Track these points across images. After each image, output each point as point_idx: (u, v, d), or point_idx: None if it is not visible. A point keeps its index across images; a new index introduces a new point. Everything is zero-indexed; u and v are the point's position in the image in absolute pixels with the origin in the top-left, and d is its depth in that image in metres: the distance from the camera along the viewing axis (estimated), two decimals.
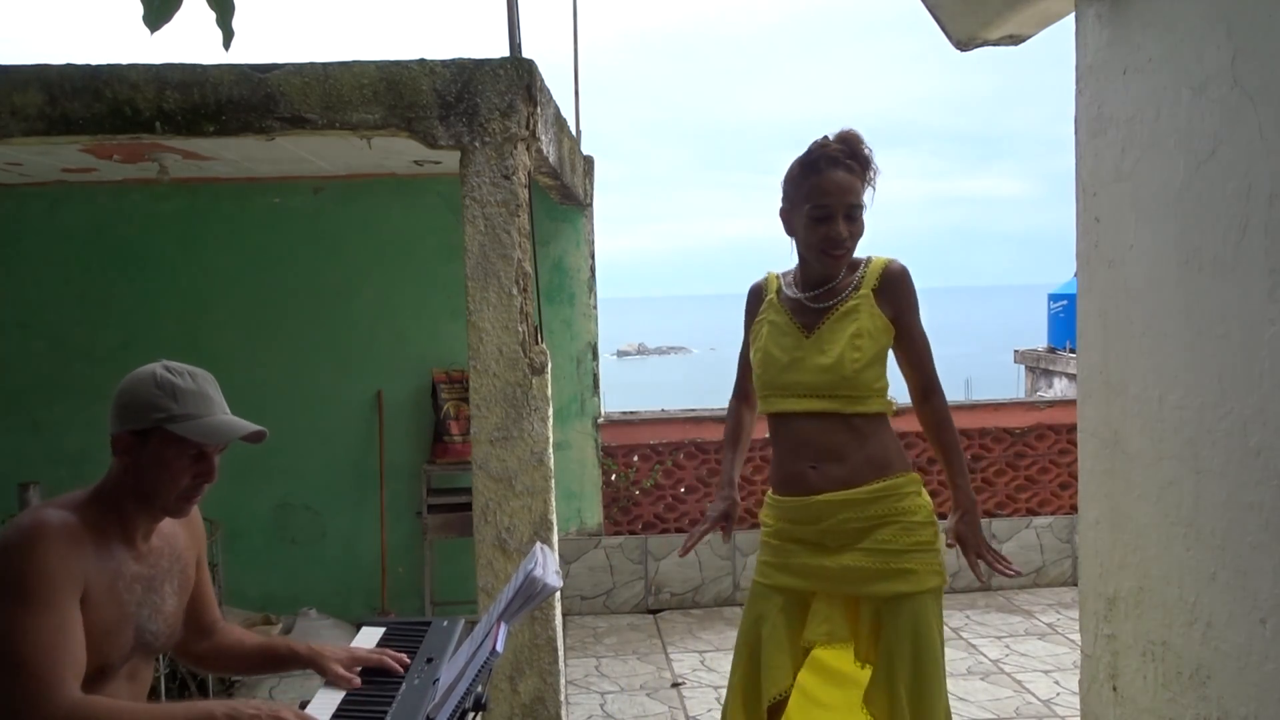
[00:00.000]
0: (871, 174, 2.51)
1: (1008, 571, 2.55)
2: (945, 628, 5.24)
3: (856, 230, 2.50)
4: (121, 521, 1.90)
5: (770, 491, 2.66)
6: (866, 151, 2.49)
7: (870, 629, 2.50)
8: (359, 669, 2.10)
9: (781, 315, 2.58)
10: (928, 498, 2.58)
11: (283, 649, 2.23)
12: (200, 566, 2.15)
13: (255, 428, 1.92)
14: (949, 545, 2.58)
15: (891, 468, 2.52)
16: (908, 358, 2.58)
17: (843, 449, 2.50)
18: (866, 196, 2.51)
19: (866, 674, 2.52)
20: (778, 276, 2.68)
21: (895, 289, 2.52)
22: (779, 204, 2.59)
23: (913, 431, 5.63)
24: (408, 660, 2.12)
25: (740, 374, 2.80)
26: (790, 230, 2.57)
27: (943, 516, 2.65)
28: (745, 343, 2.74)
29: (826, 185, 2.45)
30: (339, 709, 1.96)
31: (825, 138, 2.52)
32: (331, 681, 2.08)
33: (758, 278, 2.75)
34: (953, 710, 4.13)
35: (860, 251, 2.58)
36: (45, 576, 1.74)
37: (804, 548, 2.54)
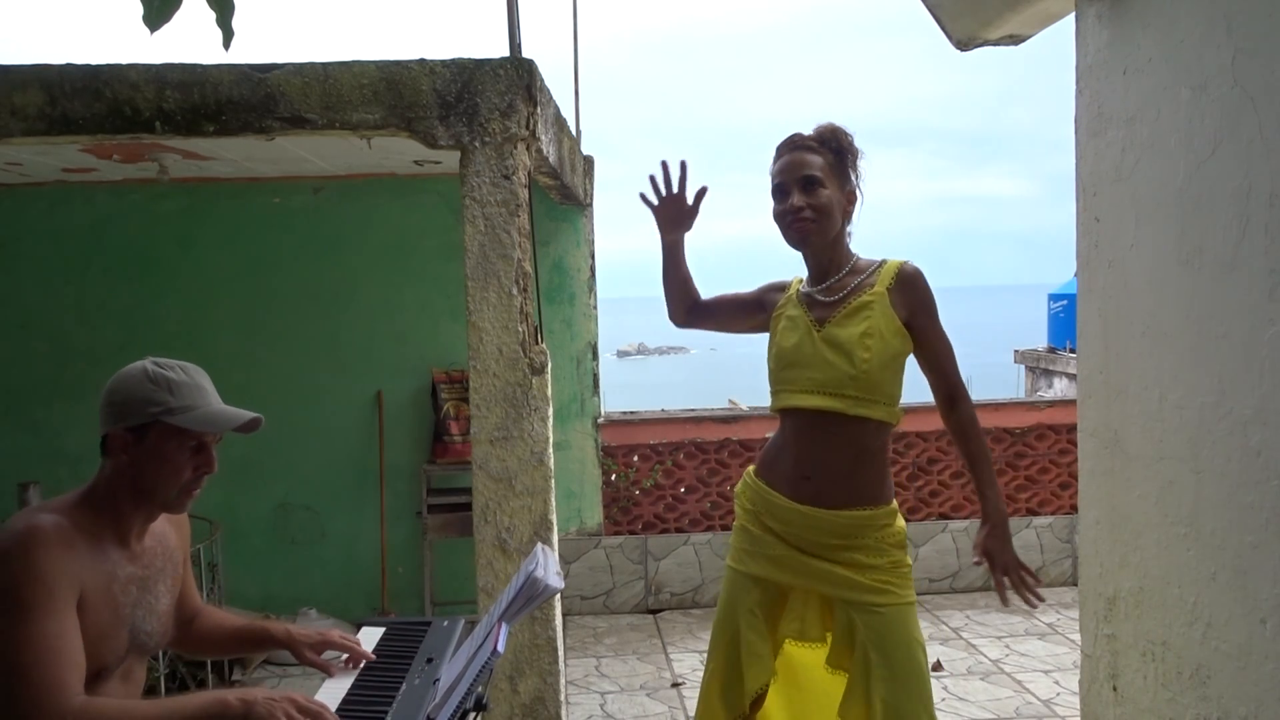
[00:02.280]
0: (846, 154, 2.52)
1: (1032, 599, 2.45)
2: (946, 627, 5.26)
3: (819, 202, 2.47)
4: (115, 522, 1.90)
5: (753, 470, 2.63)
6: (841, 138, 2.51)
7: (844, 636, 2.47)
8: (348, 659, 2.15)
9: (798, 310, 2.57)
10: (901, 523, 2.54)
11: (259, 631, 2.24)
12: (185, 561, 2.16)
13: (252, 415, 1.93)
14: (975, 562, 2.49)
15: (876, 499, 2.48)
16: (928, 362, 2.52)
17: (836, 466, 2.47)
18: (854, 181, 2.53)
19: (838, 681, 2.51)
20: (801, 280, 2.67)
21: (909, 290, 2.48)
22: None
23: (913, 431, 5.68)
24: (373, 656, 2.15)
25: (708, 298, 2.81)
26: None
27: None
28: (735, 293, 2.78)
29: (781, 166, 2.52)
30: (339, 708, 1.96)
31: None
32: (309, 665, 2.14)
33: (786, 278, 2.75)
34: (953, 711, 4.15)
35: (866, 253, 2.58)
36: (42, 582, 1.73)
37: (781, 541, 2.52)
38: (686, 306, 2.77)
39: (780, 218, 2.52)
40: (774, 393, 2.59)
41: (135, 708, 1.79)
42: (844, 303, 2.50)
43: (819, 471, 2.47)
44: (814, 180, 2.47)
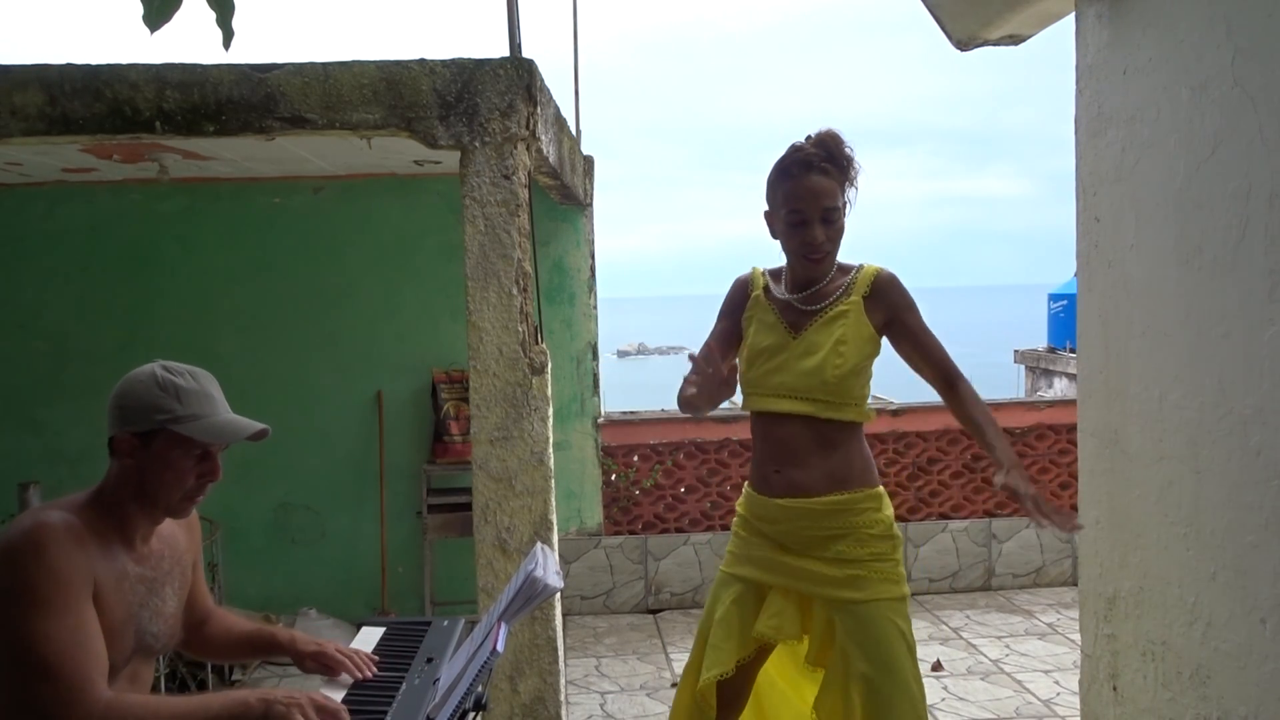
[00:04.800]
0: (852, 174, 2.50)
1: (1069, 522, 2.30)
2: (946, 627, 5.25)
3: (834, 233, 2.50)
4: (121, 524, 1.89)
5: (747, 483, 2.68)
6: (846, 151, 2.49)
7: (823, 633, 2.49)
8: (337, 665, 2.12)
9: (770, 315, 2.59)
10: (888, 512, 2.53)
11: (267, 636, 2.24)
12: (196, 565, 2.15)
13: (259, 426, 1.92)
14: (1006, 491, 2.32)
15: (851, 483, 2.50)
16: (919, 353, 2.52)
17: (807, 457, 2.50)
18: (849, 195, 2.51)
19: (817, 677, 2.53)
20: (764, 274, 2.67)
21: (885, 295, 2.51)
22: (764, 207, 2.60)
23: (913, 431, 5.68)
24: (373, 671, 2.10)
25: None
26: (774, 233, 2.58)
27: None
28: (714, 330, 2.69)
29: (800, 191, 2.46)
30: None
31: (803, 140, 2.52)
32: (309, 672, 2.12)
33: (744, 272, 2.74)
34: (953, 710, 4.15)
35: (856, 253, 2.59)
36: (58, 578, 1.72)
37: (766, 542, 2.55)
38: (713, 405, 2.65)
39: (797, 248, 2.51)
40: (745, 394, 2.62)
41: (160, 705, 1.79)
42: (822, 311, 2.52)
43: (787, 463, 2.51)
44: (834, 211, 2.48)
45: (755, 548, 2.57)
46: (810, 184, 2.45)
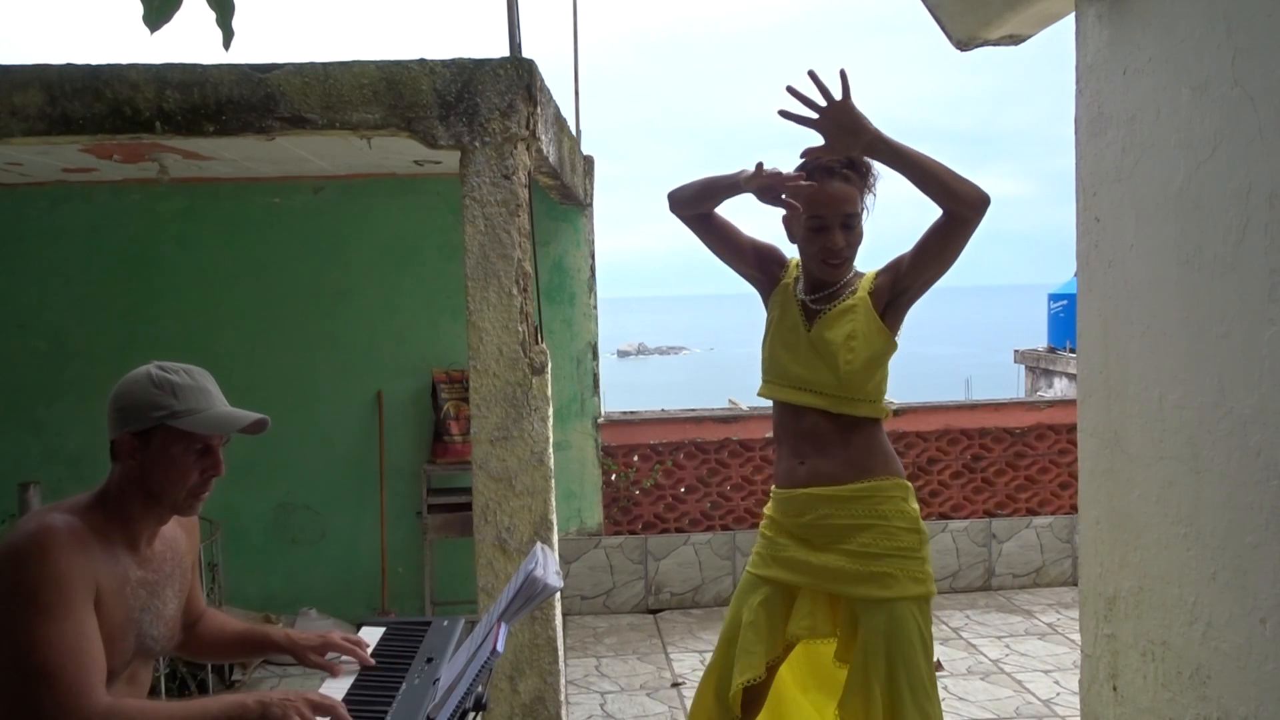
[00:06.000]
0: (872, 180, 2.51)
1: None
2: (946, 627, 5.25)
3: (854, 239, 2.51)
4: (126, 526, 1.90)
5: (774, 486, 2.69)
6: (866, 159, 2.49)
7: (848, 630, 2.51)
8: (341, 657, 2.15)
9: (791, 306, 2.61)
10: (914, 505, 2.55)
11: (259, 636, 2.25)
12: (193, 565, 2.16)
13: (257, 416, 1.93)
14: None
15: (875, 471, 2.52)
16: (924, 247, 2.44)
17: (828, 446, 2.52)
18: (868, 202, 2.52)
19: (831, 680, 2.54)
20: (798, 265, 2.68)
21: (883, 275, 2.53)
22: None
23: (913, 431, 5.68)
24: (372, 662, 2.14)
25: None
26: (792, 238, 2.59)
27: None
28: (738, 227, 2.70)
29: (821, 196, 2.46)
30: None
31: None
32: (313, 667, 2.13)
33: (788, 248, 2.71)
34: (953, 710, 4.15)
35: (861, 250, 2.59)
36: (60, 582, 1.73)
37: (793, 541, 2.56)
38: (700, 211, 2.65)
39: (817, 253, 2.52)
40: (765, 381, 2.66)
41: (157, 710, 1.80)
42: (830, 307, 2.54)
43: (811, 453, 2.54)
44: (855, 218, 2.49)
45: (782, 548, 2.57)
46: (831, 190, 2.46)
